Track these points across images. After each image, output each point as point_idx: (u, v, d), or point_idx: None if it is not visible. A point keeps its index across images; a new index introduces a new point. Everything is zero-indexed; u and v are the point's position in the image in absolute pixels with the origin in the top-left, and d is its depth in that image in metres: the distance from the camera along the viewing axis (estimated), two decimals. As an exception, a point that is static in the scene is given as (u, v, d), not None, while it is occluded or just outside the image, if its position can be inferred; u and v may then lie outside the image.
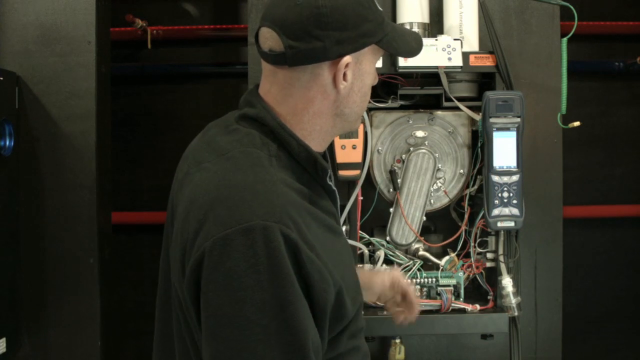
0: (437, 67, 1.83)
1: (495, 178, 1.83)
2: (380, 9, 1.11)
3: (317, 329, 0.95)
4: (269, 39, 1.07)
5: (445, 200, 1.96)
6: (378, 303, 1.50)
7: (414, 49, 1.16)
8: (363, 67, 1.09)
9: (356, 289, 1.11)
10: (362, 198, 1.90)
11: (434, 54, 1.83)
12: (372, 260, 1.93)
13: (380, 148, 1.93)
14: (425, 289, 1.91)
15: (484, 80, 1.97)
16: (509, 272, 1.89)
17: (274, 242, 0.90)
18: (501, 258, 1.89)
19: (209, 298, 0.92)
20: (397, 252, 1.92)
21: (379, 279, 1.46)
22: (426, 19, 1.96)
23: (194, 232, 0.96)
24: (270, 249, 0.89)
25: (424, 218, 1.91)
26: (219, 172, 1.01)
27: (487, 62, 1.89)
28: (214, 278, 0.91)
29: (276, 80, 1.09)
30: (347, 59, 1.05)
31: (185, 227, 0.99)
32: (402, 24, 1.95)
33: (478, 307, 1.89)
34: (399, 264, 1.91)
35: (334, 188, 1.14)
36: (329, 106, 1.10)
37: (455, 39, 1.84)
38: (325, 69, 1.06)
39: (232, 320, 0.90)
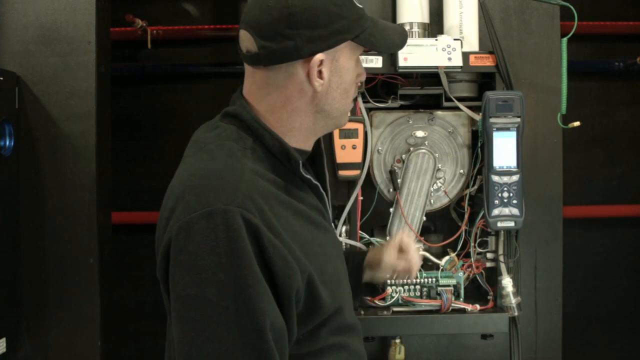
0: (437, 67, 1.83)
1: (495, 178, 1.83)
2: (358, 5, 1.12)
3: (284, 314, 0.96)
4: (245, 40, 1.11)
5: (445, 200, 1.96)
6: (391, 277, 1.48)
7: (396, 43, 1.16)
8: (340, 64, 1.10)
9: (338, 284, 1.12)
10: (362, 198, 1.90)
11: (434, 54, 1.83)
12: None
13: (380, 148, 1.93)
14: (425, 289, 1.91)
15: (484, 80, 1.97)
16: (509, 272, 1.89)
17: (234, 226, 0.92)
18: (501, 258, 1.89)
19: (175, 281, 0.96)
20: (397, 252, 1.92)
21: (387, 253, 1.45)
22: (426, 19, 1.96)
23: (166, 219, 1.01)
24: (230, 232, 0.92)
25: (424, 218, 1.91)
26: (194, 163, 1.06)
27: (487, 62, 1.89)
28: (179, 261, 0.95)
29: (255, 81, 1.13)
30: (319, 56, 1.07)
31: (161, 217, 1.04)
32: (402, 24, 1.95)
33: (478, 307, 1.89)
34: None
35: (315, 182, 1.15)
36: (308, 103, 1.11)
37: (455, 39, 1.84)
38: (299, 67, 1.08)
39: (195, 301, 0.92)
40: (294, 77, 1.09)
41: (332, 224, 1.23)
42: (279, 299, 0.96)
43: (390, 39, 1.15)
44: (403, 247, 1.45)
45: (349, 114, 1.20)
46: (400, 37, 1.17)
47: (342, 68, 1.11)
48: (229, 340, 0.91)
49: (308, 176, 1.12)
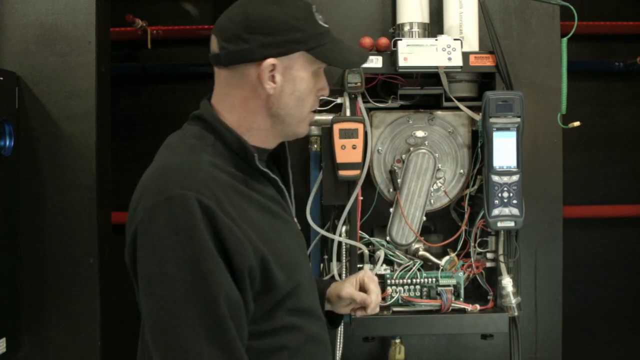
0: (437, 67, 1.83)
1: (495, 178, 1.83)
2: (323, 24, 1.22)
3: (240, 290, 1.06)
4: (212, 43, 1.24)
5: (445, 200, 1.96)
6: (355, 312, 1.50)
7: (352, 61, 1.27)
8: (294, 72, 1.19)
9: (295, 269, 1.20)
10: (362, 198, 1.90)
11: (434, 54, 1.83)
12: (372, 260, 1.93)
13: (380, 148, 1.93)
14: (425, 289, 1.91)
15: (484, 80, 1.97)
16: (509, 272, 1.89)
17: (191, 208, 1.03)
18: (501, 258, 1.89)
19: (140, 262, 1.06)
20: (397, 252, 1.92)
21: (346, 286, 1.48)
22: (426, 19, 1.96)
23: (133, 210, 1.12)
24: (187, 214, 1.03)
25: (424, 218, 1.91)
26: (159, 160, 1.18)
27: (487, 62, 1.89)
28: (143, 243, 1.06)
29: (219, 81, 1.25)
30: (270, 61, 1.16)
31: (130, 209, 1.14)
32: (402, 24, 1.96)
33: (478, 307, 1.89)
34: (399, 264, 1.91)
35: (274, 176, 1.23)
36: (262, 106, 1.20)
37: (455, 39, 1.84)
38: (252, 69, 1.18)
39: (158, 277, 1.03)
40: (247, 79, 1.19)
41: (295, 217, 1.33)
42: (235, 276, 1.06)
43: (346, 57, 1.24)
44: (364, 285, 1.47)
45: (307, 125, 1.28)
46: (360, 57, 1.27)
47: (296, 76, 1.19)
48: (187, 311, 1.01)
49: (266, 170, 1.21)
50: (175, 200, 1.04)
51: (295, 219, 1.32)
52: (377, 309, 1.47)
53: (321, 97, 1.29)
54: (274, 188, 1.24)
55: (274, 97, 1.19)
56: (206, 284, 1.02)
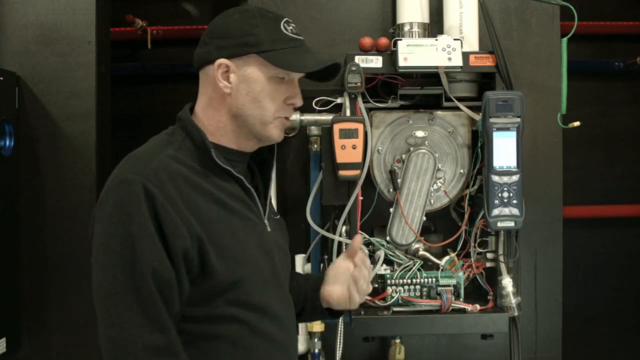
0: (437, 67, 1.83)
1: (495, 178, 1.83)
2: (288, 34, 1.28)
3: (174, 269, 1.16)
4: None
5: (445, 200, 1.96)
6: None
7: (301, 67, 1.29)
8: (248, 73, 1.28)
9: (242, 263, 1.25)
10: (362, 198, 1.90)
11: (434, 54, 1.83)
12: (372, 260, 1.93)
13: (380, 148, 1.93)
14: (425, 289, 1.91)
15: (484, 80, 1.97)
16: (509, 272, 1.89)
17: (135, 190, 1.15)
18: (501, 258, 1.89)
19: (93, 234, 1.20)
20: (397, 252, 1.92)
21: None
22: (426, 19, 1.96)
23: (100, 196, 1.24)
24: (132, 196, 1.15)
25: (424, 218, 1.91)
26: (131, 153, 1.28)
27: (487, 62, 1.89)
28: (97, 218, 1.19)
29: (199, 84, 1.35)
30: (220, 60, 1.27)
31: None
32: (402, 24, 1.96)
33: (478, 307, 1.89)
34: (399, 264, 1.91)
35: (238, 175, 1.29)
36: (224, 105, 1.30)
37: (455, 39, 1.84)
38: (211, 70, 1.29)
39: (103, 249, 1.16)
40: (208, 79, 1.30)
41: (266, 218, 1.36)
42: (170, 255, 1.16)
43: (300, 62, 1.28)
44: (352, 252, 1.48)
45: (276, 129, 1.32)
46: (315, 63, 1.30)
47: (250, 77, 1.28)
48: (122, 282, 1.14)
49: (227, 167, 1.28)
50: (125, 183, 1.17)
51: (267, 222, 1.35)
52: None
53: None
54: (241, 188, 1.31)
55: (231, 97, 1.29)
56: (138, 260, 1.13)
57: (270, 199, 1.42)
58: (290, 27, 1.31)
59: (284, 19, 1.31)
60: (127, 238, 1.14)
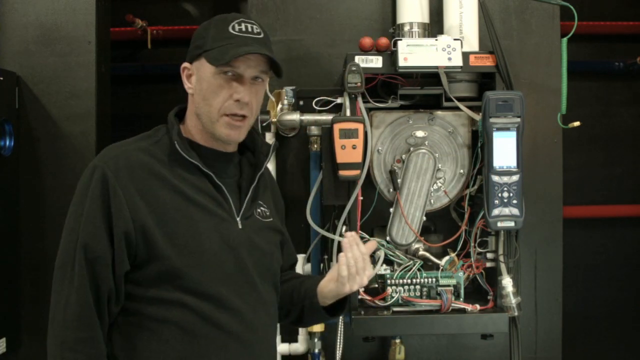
0: (437, 67, 1.83)
1: (495, 178, 1.83)
2: (231, 31, 1.35)
3: (112, 248, 1.28)
4: None
5: (445, 200, 1.96)
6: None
7: (222, 59, 1.33)
8: (201, 73, 1.38)
9: (193, 251, 1.32)
10: (362, 198, 1.90)
11: (434, 54, 1.83)
12: (372, 260, 1.93)
13: (380, 148, 1.93)
14: (425, 289, 1.91)
15: (484, 80, 1.97)
16: (509, 272, 1.89)
17: (95, 175, 1.30)
18: (501, 258, 1.89)
19: None
20: (397, 252, 1.92)
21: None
22: (426, 19, 1.96)
23: None
24: (91, 179, 1.30)
25: (424, 218, 1.91)
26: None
27: (487, 62, 1.89)
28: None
29: None
30: (184, 65, 1.42)
31: None
32: (402, 24, 1.96)
33: (478, 307, 1.89)
34: (399, 264, 1.91)
35: (206, 171, 1.36)
36: (192, 106, 1.41)
37: (455, 39, 1.84)
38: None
39: (67, 219, 1.33)
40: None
41: (240, 216, 1.40)
42: (112, 234, 1.28)
43: (223, 55, 1.33)
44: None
45: (223, 128, 1.36)
46: (231, 55, 1.33)
47: (201, 77, 1.38)
48: (67, 248, 1.30)
49: (195, 161, 1.35)
50: (90, 169, 1.32)
51: (239, 220, 1.39)
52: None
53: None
54: (212, 184, 1.38)
55: (194, 97, 1.40)
56: (75, 231, 1.29)
57: (255, 201, 1.45)
58: (241, 27, 1.37)
59: (238, 20, 1.38)
60: (77, 216, 1.29)
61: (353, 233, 1.49)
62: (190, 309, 1.31)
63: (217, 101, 1.35)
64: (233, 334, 1.34)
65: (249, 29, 1.38)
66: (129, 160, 1.33)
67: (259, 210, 1.47)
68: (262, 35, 1.39)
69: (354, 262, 1.43)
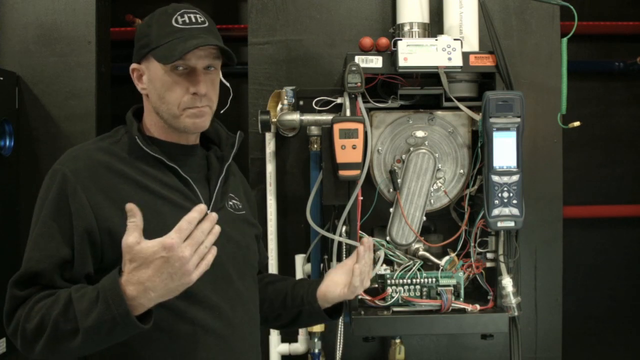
0: (437, 67, 1.83)
1: (495, 178, 1.83)
2: (175, 25, 1.34)
3: (75, 249, 1.26)
4: None
5: (445, 200, 1.96)
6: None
7: (172, 56, 1.31)
8: (152, 72, 1.35)
9: None
10: (362, 198, 1.90)
11: (434, 54, 1.83)
12: (372, 260, 1.93)
13: (380, 148, 1.93)
14: (425, 289, 1.91)
15: (484, 80, 1.97)
16: (509, 272, 1.89)
17: (56, 177, 1.30)
18: (501, 258, 1.89)
19: None
20: (397, 252, 1.92)
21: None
22: (426, 19, 1.96)
23: None
24: (52, 181, 1.31)
25: (424, 218, 1.91)
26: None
27: (487, 62, 1.89)
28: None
29: None
30: (132, 66, 1.39)
31: None
32: (402, 24, 1.96)
33: (478, 307, 1.89)
34: (399, 264, 1.91)
35: (171, 164, 1.35)
36: (148, 104, 1.40)
37: (455, 39, 1.84)
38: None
39: (34, 214, 1.32)
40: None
41: (210, 209, 1.38)
42: (74, 232, 1.26)
43: (172, 51, 1.31)
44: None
45: (188, 119, 1.35)
46: (181, 52, 1.31)
47: (153, 77, 1.35)
48: (30, 240, 1.29)
49: (158, 156, 1.35)
50: (51, 172, 1.33)
51: (209, 212, 1.33)
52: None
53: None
54: (177, 178, 1.37)
55: (150, 97, 1.37)
56: (37, 229, 1.29)
57: (225, 194, 1.44)
58: (184, 18, 1.36)
59: (180, 11, 1.36)
60: (40, 214, 1.29)
61: (370, 239, 1.50)
62: (164, 306, 1.23)
63: (175, 97, 1.33)
64: (211, 331, 1.32)
65: (193, 20, 1.36)
66: (89, 160, 1.32)
67: (230, 202, 1.45)
68: (207, 24, 1.38)
69: (367, 269, 1.46)
